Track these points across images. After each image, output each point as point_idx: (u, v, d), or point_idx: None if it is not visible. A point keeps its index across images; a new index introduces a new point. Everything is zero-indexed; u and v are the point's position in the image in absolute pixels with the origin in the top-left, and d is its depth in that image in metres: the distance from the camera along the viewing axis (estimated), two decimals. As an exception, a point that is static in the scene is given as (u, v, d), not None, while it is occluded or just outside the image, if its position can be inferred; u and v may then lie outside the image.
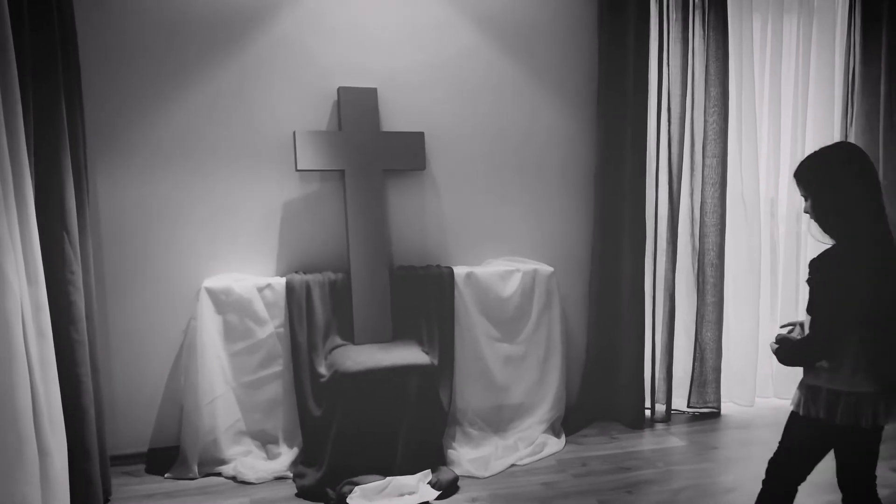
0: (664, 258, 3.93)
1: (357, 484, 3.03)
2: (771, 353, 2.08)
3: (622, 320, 3.91)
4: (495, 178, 3.81)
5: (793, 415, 2.08)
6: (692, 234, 3.99)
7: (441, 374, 3.47)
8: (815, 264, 1.94)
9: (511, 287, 3.64)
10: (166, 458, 3.37)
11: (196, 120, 3.37)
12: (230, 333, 3.33)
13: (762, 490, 2.14)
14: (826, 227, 1.96)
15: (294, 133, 3.38)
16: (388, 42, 3.61)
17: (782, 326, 2.17)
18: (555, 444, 3.58)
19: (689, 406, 4.06)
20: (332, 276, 3.48)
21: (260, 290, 3.36)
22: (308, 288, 3.40)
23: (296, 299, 3.37)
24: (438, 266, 3.68)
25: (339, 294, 3.47)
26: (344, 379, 3.14)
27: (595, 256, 3.94)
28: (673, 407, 4.02)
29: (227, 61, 3.38)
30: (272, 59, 3.45)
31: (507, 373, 3.66)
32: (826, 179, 1.94)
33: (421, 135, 3.61)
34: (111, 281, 3.32)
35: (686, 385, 4.07)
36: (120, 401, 3.39)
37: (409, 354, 3.31)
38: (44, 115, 2.57)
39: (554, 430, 3.69)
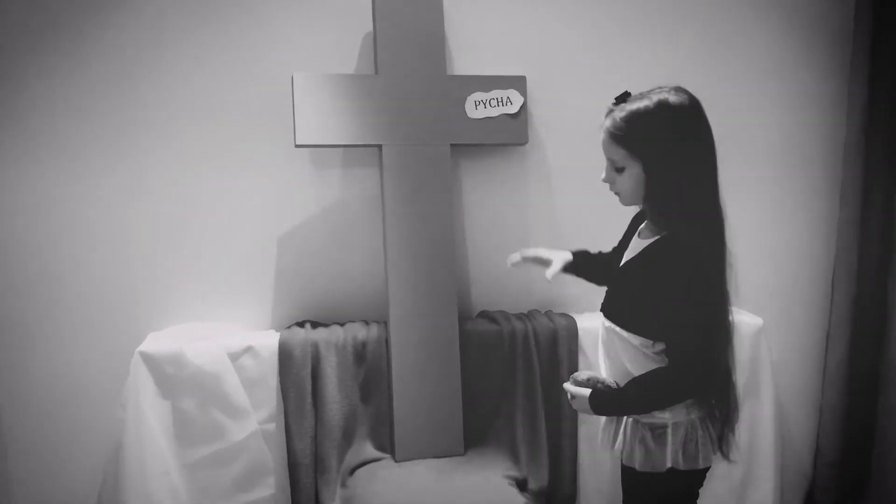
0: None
1: None
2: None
3: (885, 408, 2.19)
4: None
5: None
6: None
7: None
8: (676, 259, 1.37)
9: (683, 354, 2.00)
10: None
11: (129, 68, 1.95)
12: (185, 432, 1.93)
13: None
14: (667, 212, 1.40)
15: (292, 79, 1.90)
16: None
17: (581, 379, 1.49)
18: None
19: None
20: (359, 332, 2.00)
21: (234, 357, 1.94)
22: (317, 355, 1.94)
23: (294, 375, 1.92)
24: (549, 313, 2.12)
25: (372, 366, 1.98)
26: (361, 547, 1.66)
27: (837, 303, 2.21)
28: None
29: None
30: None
31: (673, 507, 2.04)
32: (675, 143, 1.36)
33: (521, 81, 2.03)
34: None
35: None
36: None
37: (491, 488, 1.78)
38: None
39: None
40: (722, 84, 2.19)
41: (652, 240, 1.43)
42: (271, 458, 1.96)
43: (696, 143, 1.37)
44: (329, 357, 1.95)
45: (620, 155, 1.38)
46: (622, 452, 1.48)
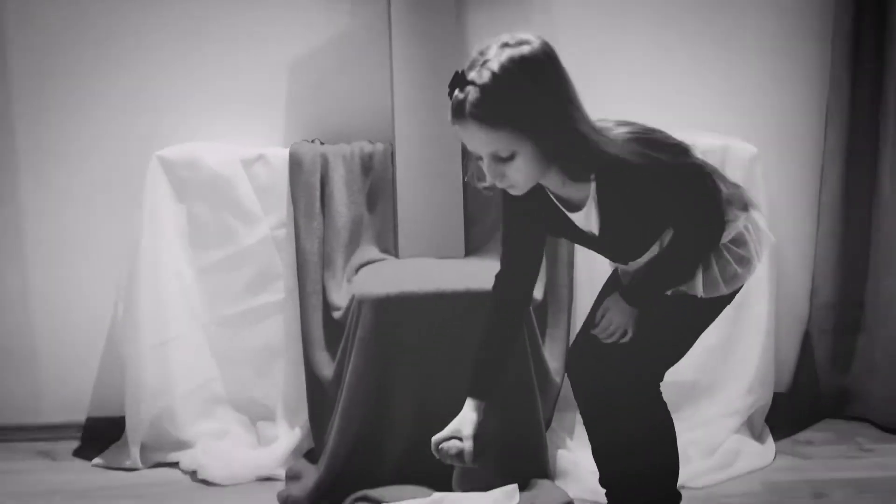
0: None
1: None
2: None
3: (879, 246, 2.24)
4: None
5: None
6: None
7: (548, 314, 2.00)
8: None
9: (679, 175, 2.07)
10: (112, 431, 2.12)
11: None
12: (198, 235, 2.05)
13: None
14: (586, 156, 1.19)
15: None
16: None
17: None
18: (756, 454, 2.04)
19: None
20: (366, 147, 2.09)
21: (247, 164, 2.04)
22: (325, 164, 2.04)
23: (304, 182, 2.02)
24: (551, 137, 2.19)
25: (378, 176, 2.08)
26: (363, 310, 1.74)
27: (834, 129, 2.26)
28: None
29: None
30: None
31: (669, 325, 2.10)
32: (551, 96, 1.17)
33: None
34: (25, 152, 2.13)
35: None
36: (43, 344, 2.20)
37: (490, 276, 1.86)
38: None
39: (753, 429, 2.14)
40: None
41: (587, 188, 1.24)
42: (281, 265, 2.05)
43: (562, 83, 1.19)
44: (337, 166, 2.04)
45: (505, 140, 1.14)
46: (714, 287, 1.36)
